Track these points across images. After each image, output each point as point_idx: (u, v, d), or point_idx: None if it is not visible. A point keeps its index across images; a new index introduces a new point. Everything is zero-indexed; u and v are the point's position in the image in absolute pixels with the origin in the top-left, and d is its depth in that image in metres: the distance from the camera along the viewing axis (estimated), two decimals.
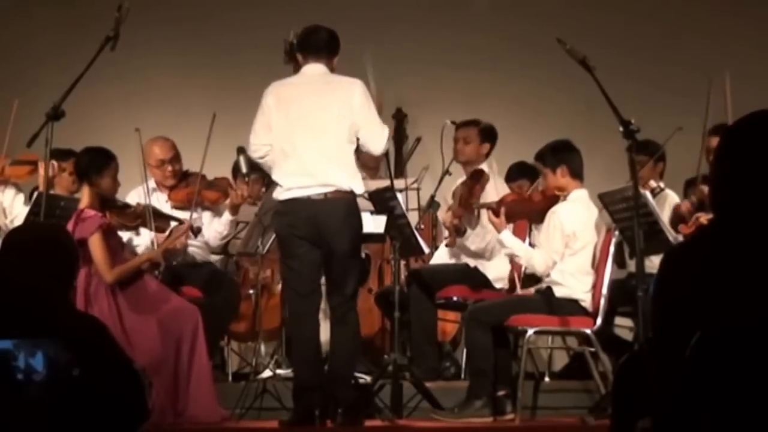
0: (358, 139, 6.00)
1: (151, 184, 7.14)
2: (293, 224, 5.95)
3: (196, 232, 6.76)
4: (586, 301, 6.27)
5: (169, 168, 7.07)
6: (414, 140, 7.87)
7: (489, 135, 7.26)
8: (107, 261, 6.04)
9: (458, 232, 7.01)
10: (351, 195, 5.97)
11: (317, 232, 5.91)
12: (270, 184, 7.06)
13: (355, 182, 6.00)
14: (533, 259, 6.33)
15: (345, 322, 6.01)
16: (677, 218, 6.52)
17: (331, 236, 5.91)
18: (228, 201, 7.03)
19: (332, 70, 6.13)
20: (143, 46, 8.72)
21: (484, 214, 6.78)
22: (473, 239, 7.02)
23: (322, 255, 5.96)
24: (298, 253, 5.97)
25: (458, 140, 7.24)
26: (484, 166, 7.18)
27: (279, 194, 6.04)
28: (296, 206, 5.94)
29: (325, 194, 5.91)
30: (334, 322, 6.10)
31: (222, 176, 7.36)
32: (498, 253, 6.89)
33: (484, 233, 6.96)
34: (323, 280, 6.10)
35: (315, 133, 5.96)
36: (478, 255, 7.06)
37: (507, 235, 6.38)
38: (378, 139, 6.05)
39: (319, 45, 6.13)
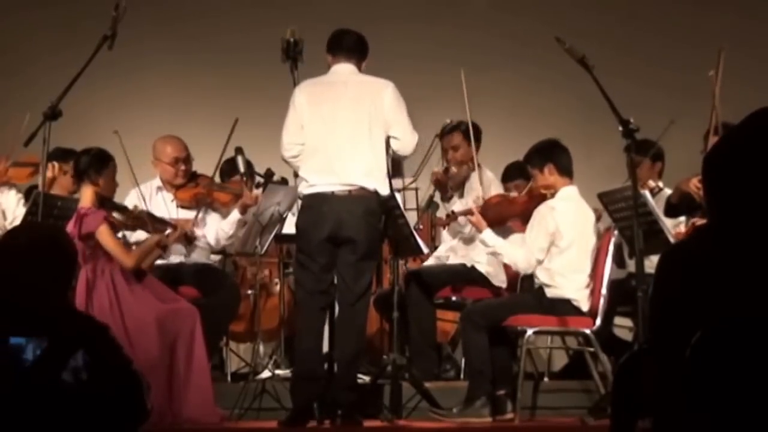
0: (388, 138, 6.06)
1: (156, 182, 7.13)
2: (315, 220, 6.00)
3: (191, 239, 6.76)
4: (579, 300, 6.25)
5: (183, 167, 7.09)
6: (434, 136, 7.85)
7: (477, 135, 7.23)
8: (122, 248, 6.09)
9: (443, 190, 6.99)
10: (375, 195, 6.00)
11: (337, 228, 5.95)
12: (265, 184, 7.05)
13: (381, 184, 6.03)
14: (516, 256, 6.34)
15: (351, 323, 6.02)
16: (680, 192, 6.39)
17: (349, 233, 5.95)
18: (240, 201, 7.00)
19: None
20: (141, 45, 8.71)
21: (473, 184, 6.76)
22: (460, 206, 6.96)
23: (337, 254, 5.98)
24: (313, 252, 6.00)
25: (446, 150, 7.21)
26: (476, 172, 7.15)
27: (303, 189, 6.10)
28: (319, 201, 6.00)
29: (350, 191, 5.98)
30: (340, 322, 6.11)
31: (234, 179, 7.35)
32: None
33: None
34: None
35: (347, 132, 6.02)
36: (472, 240, 6.98)
37: (488, 234, 6.38)
38: (408, 140, 6.11)
39: (351, 46, 6.22)
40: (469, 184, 6.88)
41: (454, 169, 7.02)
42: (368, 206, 5.99)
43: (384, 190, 6.05)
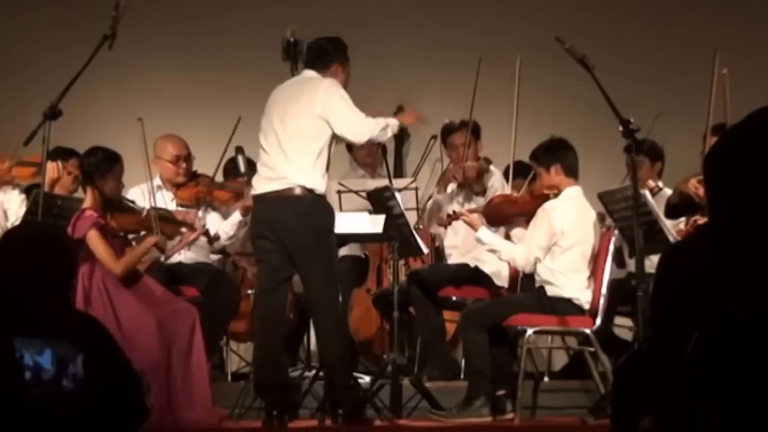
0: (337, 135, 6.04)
1: (156, 182, 7.13)
2: (256, 222, 6.13)
3: (214, 238, 6.75)
4: (581, 299, 6.25)
5: (184, 165, 7.12)
6: (429, 138, 7.85)
7: (479, 132, 7.25)
8: (111, 254, 6.05)
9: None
10: (303, 191, 5.97)
11: (275, 229, 5.99)
12: None
13: (309, 178, 5.98)
14: (513, 253, 6.35)
15: (324, 324, 6.04)
16: (680, 194, 6.39)
17: (286, 233, 5.97)
18: (241, 202, 6.99)
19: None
20: (141, 45, 8.70)
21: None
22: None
23: (286, 254, 6.00)
24: (261, 252, 6.10)
25: (458, 146, 7.15)
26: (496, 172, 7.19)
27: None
28: (257, 204, 6.11)
29: (278, 191, 5.98)
30: (315, 326, 6.20)
31: (234, 179, 7.35)
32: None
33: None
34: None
35: (278, 132, 6.04)
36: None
37: (484, 231, 6.40)
38: (351, 126, 6.02)
39: (306, 59, 6.23)
40: (491, 183, 6.92)
41: (471, 171, 7.00)
42: (299, 202, 5.96)
43: (311, 184, 5.97)
